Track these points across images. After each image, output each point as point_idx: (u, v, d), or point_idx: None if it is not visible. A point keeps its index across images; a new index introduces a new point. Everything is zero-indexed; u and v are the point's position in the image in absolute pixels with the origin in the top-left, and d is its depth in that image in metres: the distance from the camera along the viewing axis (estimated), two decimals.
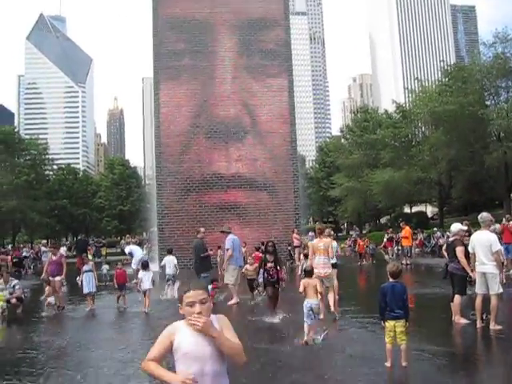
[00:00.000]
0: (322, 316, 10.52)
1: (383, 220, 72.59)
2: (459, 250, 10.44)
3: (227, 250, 15.43)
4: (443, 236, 31.23)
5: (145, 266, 15.70)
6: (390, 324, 7.55)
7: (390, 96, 69.77)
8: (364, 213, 66.40)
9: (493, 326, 9.76)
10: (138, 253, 23.83)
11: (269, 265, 12.35)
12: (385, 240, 31.94)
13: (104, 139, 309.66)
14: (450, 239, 11.34)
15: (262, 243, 20.79)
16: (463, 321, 10.41)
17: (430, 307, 13.26)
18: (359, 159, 57.56)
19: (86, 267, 15.93)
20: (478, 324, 9.92)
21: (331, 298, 11.73)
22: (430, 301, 13.98)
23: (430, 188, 50.44)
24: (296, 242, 27.72)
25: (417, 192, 51.60)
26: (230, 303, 14.72)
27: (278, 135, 30.40)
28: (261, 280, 13.69)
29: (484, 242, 10.03)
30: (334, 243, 15.28)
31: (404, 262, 25.57)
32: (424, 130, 50.85)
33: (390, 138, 50.44)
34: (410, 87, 73.47)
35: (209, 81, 30.23)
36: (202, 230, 16.96)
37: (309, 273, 9.81)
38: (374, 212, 66.53)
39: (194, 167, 29.61)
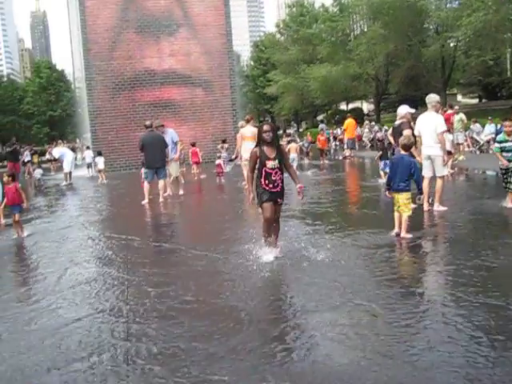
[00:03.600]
0: None
1: (320, 117, 72.53)
2: (407, 133, 10.05)
3: (175, 143, 15.07)
4: (381, 130, 31.43)
5: (99, 153, 23.23)
6: (395, 196, 7.87)
7: None
8: (301, 110, 66.07)
9: (437, 207, 9.58)
10: (68, 154, 22.76)
11: (269, 165, 6.75)
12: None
13: (28, 44, 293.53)
14: (397, 122, 10.84)
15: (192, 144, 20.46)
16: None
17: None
18: (296, 55, 56.39)
19: None
20: (425, 207, 9.69)
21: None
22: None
23: (366, 83, 50.11)
24: None
25: (354, 88, 51.27)
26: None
27: (212, 28, 29.04)
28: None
29: (430, 124, 9.64)
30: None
31: (348, 154, 25.49)
32: (362, 24, 49.89)
33: (327, 32, 49.32)
34: None
35: None
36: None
37: None
38: (311, 109, 66.27)
39: (124, 64, 28.13)
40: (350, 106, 68.32)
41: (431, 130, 9.61)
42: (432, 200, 9.79)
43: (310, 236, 8.07)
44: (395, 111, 42.67)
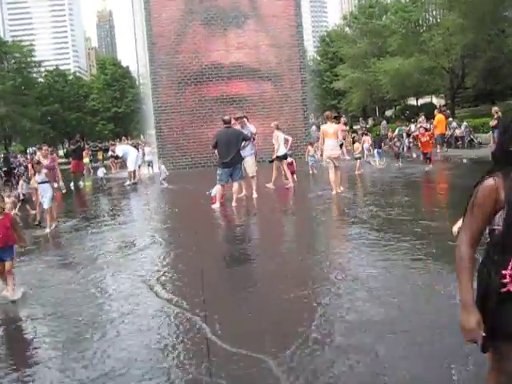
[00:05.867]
0: None
1: (388, 113, 69.91)
2: None
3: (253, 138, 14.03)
4: (459, 126, 29.18)
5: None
6: None
7: None
8: (369, 105, 63.85)
9: None
10: (132, 152, 21.71)
11: None
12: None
13: (95, 43, 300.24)
14: None
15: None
16: None
17: None
18: (365, 48, 54.14)
19: (38, 177, 11.61)
20: None
21: (338, 176, 13.18)
22: None
23: (440, 77, 47.37)
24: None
25: (426, 82, 48.63)
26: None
27: (281, 19, 27.45)
28: None
29: None
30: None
31: (439, 150, 23.92)
32: (436, 14, 47.18)
33: (398, 23, 46.87)
34: None
35: None
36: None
37: None
38: (380, 105, 63.87)
39: (190, 58, 26.93)
40: (420, 101, 65.42)
41: None
42: None
43: None
44: (470, 106, 40.33)
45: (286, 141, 15.54)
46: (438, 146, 25.02)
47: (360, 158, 18.95)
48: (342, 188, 13.32)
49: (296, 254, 7.64)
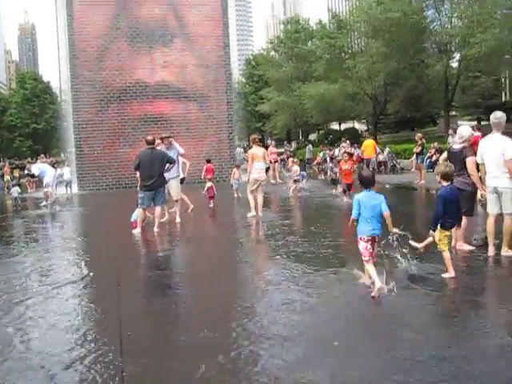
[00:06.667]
0: None
1: (312, 137, 70.96)
2: (470, 161, 8.07)
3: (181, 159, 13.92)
4: (382, 152, 29.50)
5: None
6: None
7: (313, 15, 66.58)
8: (294, 129, 64.65)
9: (505, 252, 7.65)
10: (49, 172, 20.55)
11: None
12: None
13: (15, 56, 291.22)
14: (456, 146, 8.66)
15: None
16: (467, 247, 8.22)
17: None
18: (290, 72, 55.11)
19: None
20: (491, 251, 7.77)
21: (260, 200, 13.25)
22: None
23: (363, 103, 48.47)
24: (273, 157, 24.61)
25: (349, 107, 49.73)
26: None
27: (209, 39, 27.22)
28: None
29: (496, 148, 7.72)
30: None
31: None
32: (361, 42, 48.32)
33: (323, 49, 47.65)
34: (333, 8, 70.83)
35: None
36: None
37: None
38: (304, 128, 64.78)
39: (114, 75, 26.13)
40: (343, 125, 66.85)
41: (497, 156, 7.69)
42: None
43: None
44: (392, 132, 41.41)
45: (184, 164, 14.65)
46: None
47: (298, 181, 18.82)
48: (260, 213, 13.14)
49: (216, 281, 7.17)
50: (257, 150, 13.38)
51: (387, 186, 20.94)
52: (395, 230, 6.35)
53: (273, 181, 23.90)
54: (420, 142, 22.46)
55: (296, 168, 19.19)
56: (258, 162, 13.16)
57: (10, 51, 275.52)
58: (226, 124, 27.38)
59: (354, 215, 6.32)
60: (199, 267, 8.44)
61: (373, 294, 5.89)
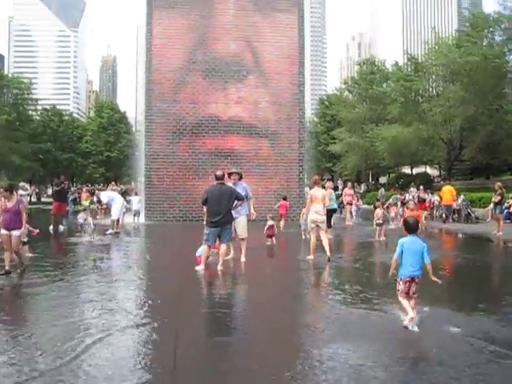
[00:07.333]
0: None
1: (382, 180, 69.64)
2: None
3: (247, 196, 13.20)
4: (456, 199, 28.13)
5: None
6: None
7: (389, 57, 65.97)
8: (364, 171, 63.65)
9: None
10: (117, 199, 20.63)
11: None
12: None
13: (96, 87, 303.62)
14: None
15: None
16: None
17: None
18: (363, 113, 54.41)
19: None
20: None
21: (326, 240, 12.95)
22: None
23: (437, 148, 47.09)
24: (348, 199, 26.32)
25: (423, 151, 48.43)
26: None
27: (284, 77, 27.07)
28: None
29: None
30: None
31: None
32: (437, 85, 47.27)
33: (398, 92, 46.91)
34: (409, 50, 69.93)
35: (208, 12, 26.64)
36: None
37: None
38: (375, 171, 63.67)
39: (187, 108, 26.30)
40: (415, 170, 65.29)
41: None
42: None
43: None
44: (465, 179, 39.76)
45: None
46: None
47: (381, 225, 17.91)
48: (329, 253, 12.70)
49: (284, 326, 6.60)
50: (316, 192, 13.23)
51: (460, 236, 19.88)
52: (435, 278, 6.66)
53: (348, 223, 24.50)
54: (499, 192, 21.24)
55: (378, 211, 18.37)
56: (316, 204, 12.97)
57: (91, 81, 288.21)
58: (296, 163, 26.98)
59: (395, 256, 6.75)
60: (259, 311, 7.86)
61: (405, 323, 6.44)
